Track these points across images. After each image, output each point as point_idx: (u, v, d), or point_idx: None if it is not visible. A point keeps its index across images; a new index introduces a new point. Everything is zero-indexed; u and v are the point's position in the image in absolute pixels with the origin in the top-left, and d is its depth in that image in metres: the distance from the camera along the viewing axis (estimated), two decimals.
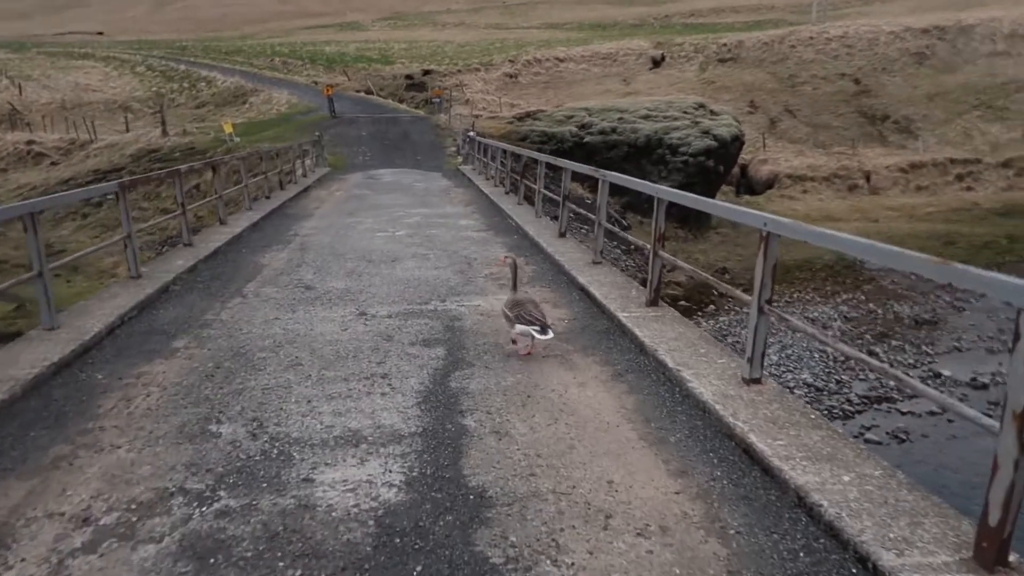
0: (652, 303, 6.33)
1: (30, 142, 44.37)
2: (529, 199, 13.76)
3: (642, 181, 6.66)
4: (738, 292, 4.96)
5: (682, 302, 24.50)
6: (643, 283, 7.97)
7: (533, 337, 5.39)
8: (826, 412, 16.43)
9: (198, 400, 4.65)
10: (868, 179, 44.72)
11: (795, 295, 26.67)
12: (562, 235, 10.07)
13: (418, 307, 6.90)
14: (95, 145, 40.23)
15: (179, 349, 5.71)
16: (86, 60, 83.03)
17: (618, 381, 4.93)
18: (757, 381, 4.51)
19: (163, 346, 5.79)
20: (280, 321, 6.43)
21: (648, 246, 6.39)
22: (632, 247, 8.83)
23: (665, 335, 5.54)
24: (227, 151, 30.40)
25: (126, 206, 7.44)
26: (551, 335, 5.39)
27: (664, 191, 6.04)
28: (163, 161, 32.34)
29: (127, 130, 43.23)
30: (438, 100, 41.26)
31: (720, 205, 4.77)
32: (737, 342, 21.27)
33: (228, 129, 32.94)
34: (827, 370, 18.33)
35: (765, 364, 4.53)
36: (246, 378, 5.03)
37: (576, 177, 9.83)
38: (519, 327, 5.56)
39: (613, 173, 7.76)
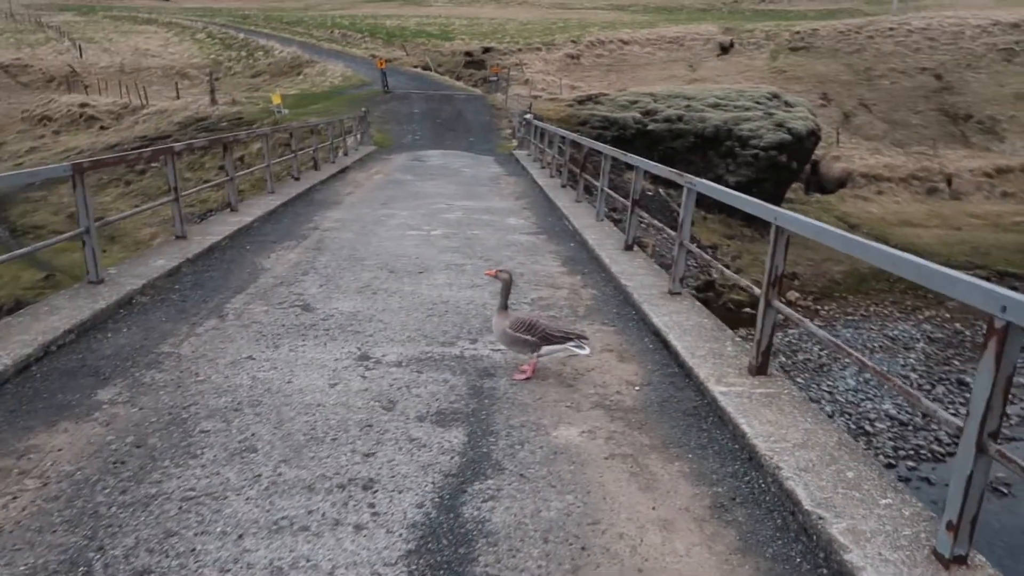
0: (760, 370, 4.53)
1: (84, 105, 44.05)
2: (589, 194, 11.99)
3: (752, 199, 4.84)
4: (934, 407, 3.14)
5: (746, 308, 22.54)
6: (728, 321, 6.18)
7: (572, 354, 4.74)
8: (912, 451, 14.46)
9: (80, 516, 3.05)
10: (949, 182, 41.75)
11: (872, 308, 24.49)
12: (628, 247, 8.28)
13: (440, 349, 5.21)
14: (145, 111, 39.66)
15: (102, 405, 4.12)
16: (149, 25, 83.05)
17: (722, 522, 3.18)
18: (962, 561, 2.73)
19: (83, 398, 4.21)
20: (253, 363, 4.80)
21: (758, 290, 4.59)
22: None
23: (787, 434, 3.76)
24: (275, 123, 29.18)
25: (84, 194, 5.89)
26: (588, 350, 4.75)
27: (788, 217, 4.24)
28: (209, 130, 31.39)
29: (178, 97, 42.46)
30: (496, 78, 39.46)
31: (923, 265, 2.92)
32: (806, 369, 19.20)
33: (276, 100, 31.75)
34: (832, 351, 16.25)
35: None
36: (168, 472, 3.41)
37: (628, 167, 7.99)
38: (549, 348, 4.66)
39: (705, 182, 5.95)
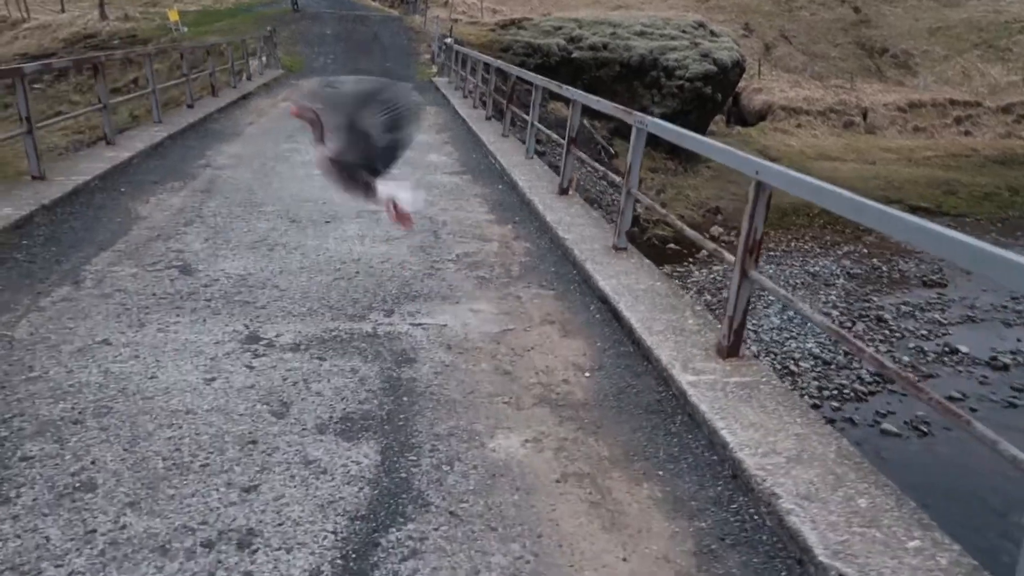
0: (731, 352, 3.82)
1: None
2: (516, 127, 11.06)
3: (729, 149, 4.05)
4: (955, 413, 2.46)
5: (671, 244, 22.25)
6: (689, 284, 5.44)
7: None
8: (835, 391, 14.44)
9: None
10: (865, 116, 42.29)
11: (793, 243, 24.59)
12: (563, 191, 7.44)
13: (347, 325, 4.30)
14: (26, 25, 36.02)
15: None
16: None
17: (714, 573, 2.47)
18: None
19: None
20: (109, 350, 3.81)
21: (732, 259, 3.84)
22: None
23: (776, 443, 3.06)
24: (172, 41, 26.83)
25: None
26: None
27: (773, 171, 3.46)
28: (100, 48, 28.73)
29: (63, 10, 38.73)
30: None
31: (943, 234, 2.23)
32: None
33: (174, 17, 29.17)
34: (834, 338, 16.33)
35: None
36: None
37: (555, 97, 7.09)
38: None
39: (658, 121, 5.14)
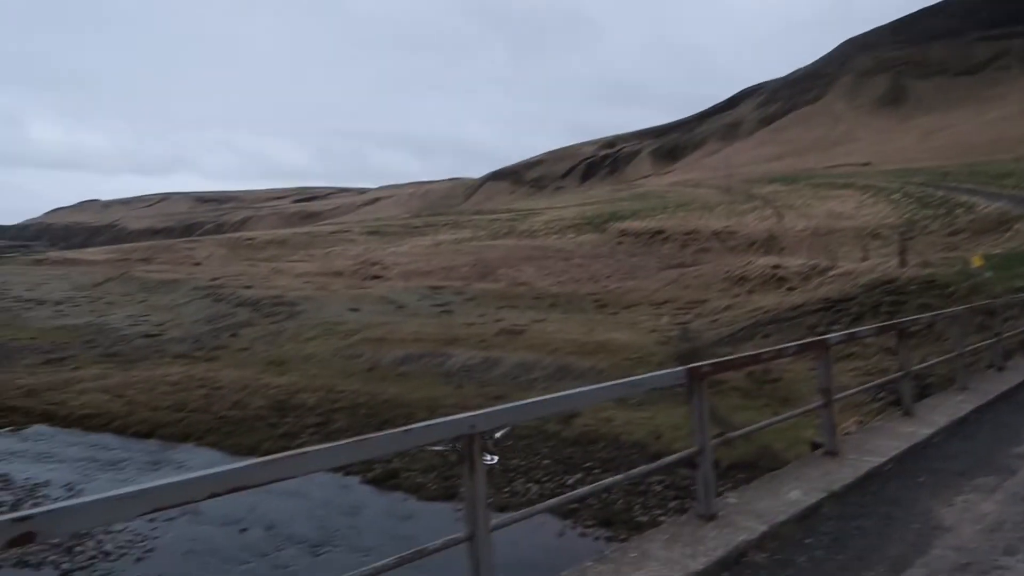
0: None
1: (776, 266, 46.46)
2: None
3: None
4: None
5: None
6: None
7: None
8: None
9: None
10: None
11: None
12: None
13: None
14: (831, 272, 39.59)
15: None
16: (845, 189, 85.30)
17: None
18: None
19: None
20: None
21: None
22: None
23: None
24: (973, 288, 25.49)
25: (702, 406, 4.64)
26: None
27: None
28: (895, 294, 29.36)
29: (865, 258, 41.24)
30: None
31: None
32: None
33: (977, 262, 28.00)
34: None
35: None
36: None
37: None
38: None
39: None
